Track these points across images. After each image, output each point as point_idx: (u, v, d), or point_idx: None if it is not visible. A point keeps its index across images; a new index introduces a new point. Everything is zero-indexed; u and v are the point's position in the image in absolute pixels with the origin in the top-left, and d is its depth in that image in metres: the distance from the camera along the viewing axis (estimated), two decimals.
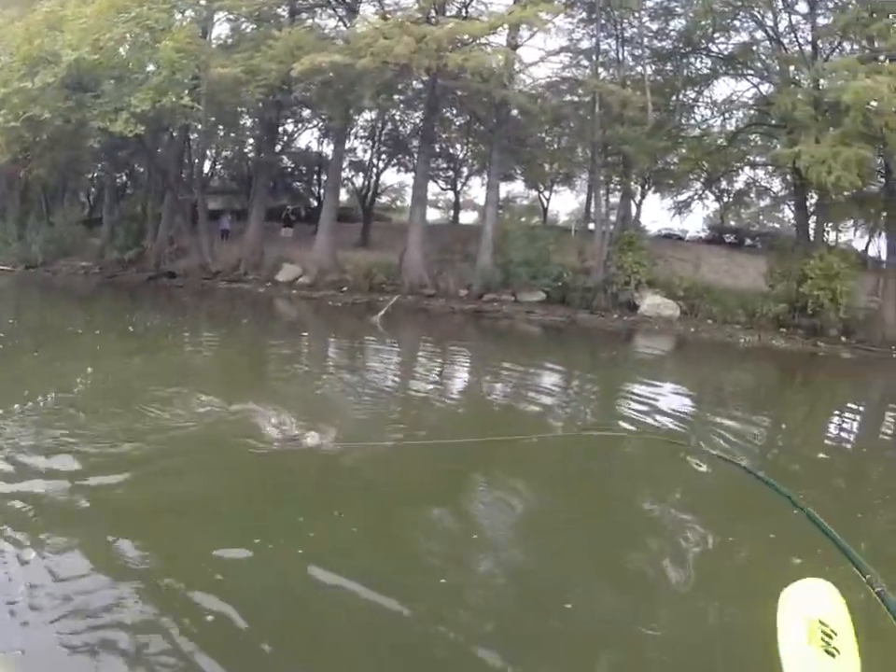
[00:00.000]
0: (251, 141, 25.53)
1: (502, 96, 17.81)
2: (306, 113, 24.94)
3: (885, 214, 19.16)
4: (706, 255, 19.63)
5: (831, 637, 1.09)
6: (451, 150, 25.25)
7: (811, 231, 18.78)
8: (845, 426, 9.32)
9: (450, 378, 9.82)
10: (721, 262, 18.69)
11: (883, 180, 19.93)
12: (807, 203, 19.21)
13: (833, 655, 1.05)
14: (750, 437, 7.00)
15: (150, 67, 17.11)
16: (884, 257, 19.57)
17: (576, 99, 19.86)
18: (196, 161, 24.12)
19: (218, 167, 29.60)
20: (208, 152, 26.08)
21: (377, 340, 12.99)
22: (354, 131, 25.62)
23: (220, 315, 15.98)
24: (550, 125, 20.23)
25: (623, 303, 16.64)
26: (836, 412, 10.39)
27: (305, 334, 13.83)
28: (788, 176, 20.02)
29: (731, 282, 17.40)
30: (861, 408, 10.67)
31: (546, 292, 16.91)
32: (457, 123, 23.79)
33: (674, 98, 20.41)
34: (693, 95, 21.15)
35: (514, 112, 19.96)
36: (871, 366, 15.46)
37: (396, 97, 22.48)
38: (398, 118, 24.96)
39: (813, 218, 19.17)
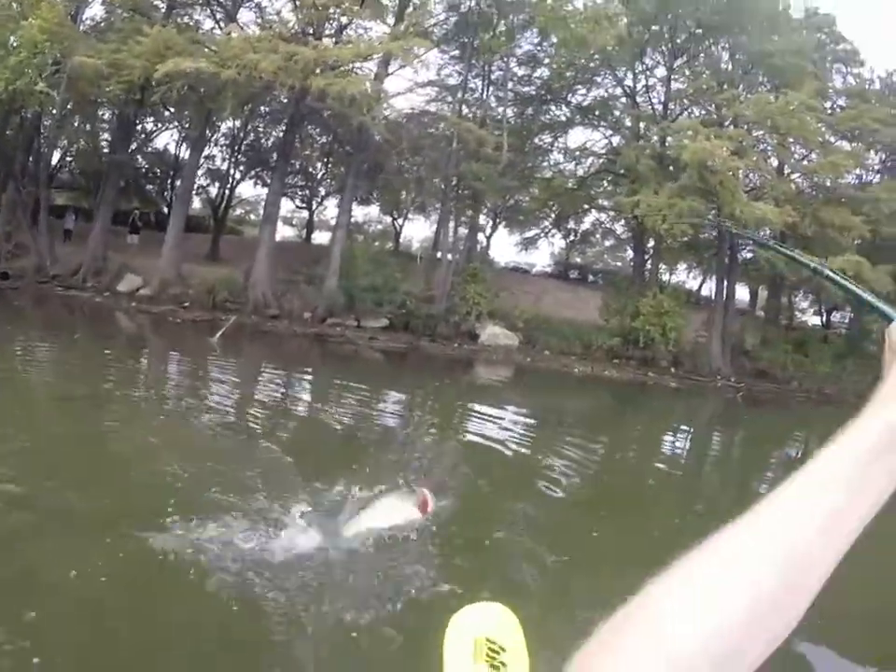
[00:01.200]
0: (106, 136, 23.16)
1: (363, 122, 17.68)
2: (167, 113, 23.16)
3: (715, 260, 21.58)
4: (550, 288, 20.72)
5: (498, 654, 1.00)
6: (310, 169, 24.74)
7: (647, 272, 20.58)
8: (674, 445, 10.59)
9: (290, 404, 9.28)
10: (564, 296, 19.79)
11: (716, 231, 22.49)
12: (645, 246, 21.05)
13: (498, 670, 0.98)
14: (589, 455, 7.73)
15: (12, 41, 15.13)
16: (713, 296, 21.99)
17: (436, 132, 20.22)
18: (45, 150, 21.36)
19: (69, 159, 26.57)
20: (59, 143, 23.30)
21: (217, 364, 11.99)
22: (214, 138, 24.34)
23: (52, 326, 13.98)
24: (409, 154, 20.41)
25: (464, 332, 17.00)
26: (664, 433, 11.49)
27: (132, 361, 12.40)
28: (629, 221, 21.83)
29: (571, 315, 18.46)
30: (685, 429, 11.88)
31: (390, 319, 16.83)
32: (319, 142, 23.32)
33: (530, 141, 21.51)
34: (548, 140, 22.47)
35: (376, 138, 19.90)
36: (696, 394, 17.14)
37: (261, 109, 21.59)
38: (260, 129, 23.96)
39: (650, 260, 21.04)
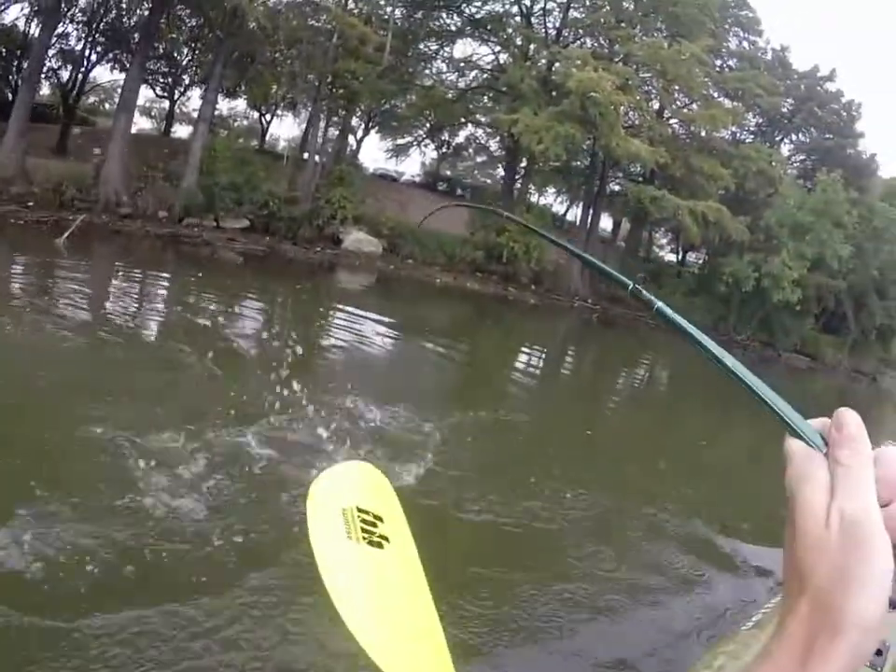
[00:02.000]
0: None
1: (238, 5, 16.09)
2: None
3: (584, 188, 22.24)
4: (417, 198, 20.53)
5: (375, 526, 0.84)
6: (174, 54, 22.36)
7: (516, 190, 20.86)
8: (531, 355, 11.05)
9: (139, 310, 8.54)
10: (430, 207, 19.58)
11: (589, 160, 23.07)
12: (517, 166, 21.23)
13: (380, 546, 0.82)
14: (450, 360, 7.99)
15: None
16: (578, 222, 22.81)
17: (316, 24, 18.89)
18: None
19: None
20: None
21: (64, 267, 10.73)
22: (70, 13, 21.24)
23: None
24: (284, 46, 18.98)
25: (327, 237, 16.53)
26: (523, 344, 12.04)
27: None
28: (504, 139, 21.82)
29: (436, 226, 18.48)
30: (543, 341, 12.41)
31: (251, 220, 15.99)
32: (188, 25, 21.09)
33: (415, 46, 20.70)
34: (434, 48, 21.71)
35: (251, 25, 18.29)
36: (551, 311, 17.89)
37: None
38: (123, 6, 21.24)
39: (520, 180, 21.33)
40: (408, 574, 0.83)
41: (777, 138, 31.26)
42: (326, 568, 0.76)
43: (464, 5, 21.24)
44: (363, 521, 0.83)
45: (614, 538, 3.92)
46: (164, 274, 11.94)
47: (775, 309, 25.63)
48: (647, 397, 10.81)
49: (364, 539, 0.81)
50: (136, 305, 8.94)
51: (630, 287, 0.52)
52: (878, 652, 1.38)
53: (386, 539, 0.82)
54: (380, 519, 0.85)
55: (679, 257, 30.12)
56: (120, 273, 11.68)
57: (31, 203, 16.35)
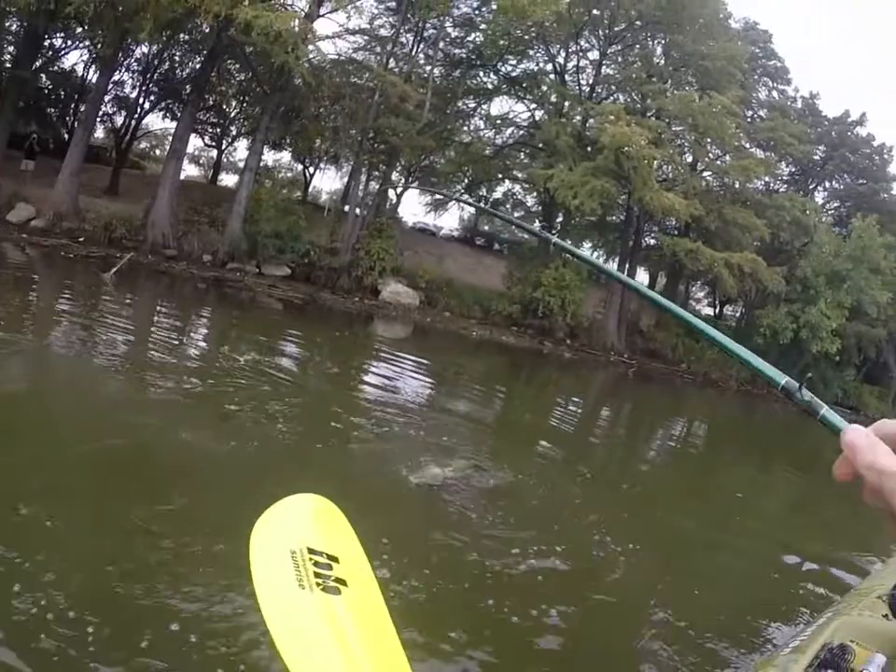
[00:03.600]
0: (11, 49, 20.85)
1: (285, 62, 16.84)
2: (80, 30, 21.12)
3: (619, 242, 22.32)
4: (455, 252, 20.84)
5: (330, 568, 0.72)
6: (224, 106, 23.41)
7: (552, 246, 21.01)
8: (566, 407, 11.12)
9: (184, 347, 8.78)
10: (468, 261, 19.99)
11: (625, 215, 23.21)
12: (553, 221, 21.45)
13: (337, 591, 0.70)
14: (487, 411, 8.31)
15: None
16: None
17: (359, 82, 19.61)
18: None
19: None
20: None
21: (111, 301, 11.17)
22: (126, 62, 22.47)
23: None
24: (328, 102, 19.72)
25: (365, 287, 16.80)
26: (557, 397, 12.17)
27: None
28: (541, 194, 22.14)
29: (474, 280, 18.67)
30: (578, 394, 12.44)
31: (292, 268, 16.35)
32: (237, 79, 22.09)
33: (453, 104, 21.28)
34: (472, 105, 22.31)
35: (297, 81, 19.07)
36: (587, 366, 17.77)
37: (180, 36, 20.11)
38: (176, 59, 22.39)
39: (556, 234, 21.52)
40: (370, 619, 0.72)
41: (811, 186, 31.10)
42: (274, 624, 0.65)
43: (500, 64, 21.87)
44: (315, 563, 0.72)
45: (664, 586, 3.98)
46: (205, 314, 12.28)
47: (814, 360, 25.05)
48: (684, 450, 10.74)
49: (318, 585, 0.70)
50: (176, 339, 9.22)
51: (781, 386, 0.55)
52: None
53: (343, 582, 0.71)
54: (335, 560, 0.74)
55: (716, 310, 29.92)
56: (162, 309, 12.08)
57: (82, 239, 17.07)
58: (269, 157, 27.35)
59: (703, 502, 6.92)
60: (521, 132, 22.19)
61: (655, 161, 21.42)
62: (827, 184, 31.91)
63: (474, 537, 3.90)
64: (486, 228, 28.68)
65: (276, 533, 0.73)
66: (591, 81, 22.49)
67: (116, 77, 22.25)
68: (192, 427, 4.77)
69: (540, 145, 21.01)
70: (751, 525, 6.30)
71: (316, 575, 0.71)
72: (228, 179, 28.94)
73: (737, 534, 5.82)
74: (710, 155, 24.79)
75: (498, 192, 25.97)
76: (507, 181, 24.37)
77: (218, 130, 24.50)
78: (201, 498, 3.75)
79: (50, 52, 22.53)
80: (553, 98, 21.72)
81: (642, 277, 27.17)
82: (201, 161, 30.79)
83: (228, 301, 14.72)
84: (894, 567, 2.43)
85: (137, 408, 5.23)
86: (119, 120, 23.28)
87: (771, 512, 7.12)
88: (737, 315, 28.88)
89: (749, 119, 27.22)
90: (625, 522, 5.17)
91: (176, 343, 8.92)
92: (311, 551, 0.73)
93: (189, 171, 28.42)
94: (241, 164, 22.98)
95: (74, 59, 31.15)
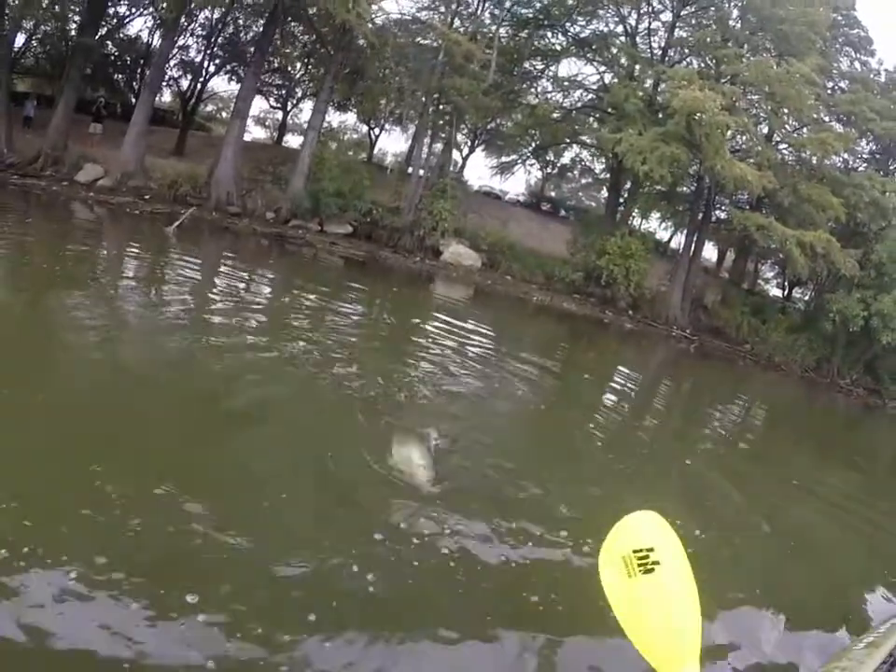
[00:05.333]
0: (76, 18, 21.38)
1: (347, 21, 16.66)
2: None
3: (688, 214, 21.45)
4: (520, 217, 20.39)
5: (647, 557, 1.01)
6: (289, 68, 23.43)
7: (619, 213, 20.34)
8: (625, 381, 10.69)
9: (244, 296, 8.83)
10: (533, 226, 19.52)
11: (695, 185, 22.29)
12: (621, 188, 20.71)
13: (652, 571, 1.00)
14: (542, 378, 7.94)
15: None
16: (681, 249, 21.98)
17: (423, 41, 19.28)
18: (8, 32, 19.57)
19: (34, 44, 24.51)
20: (25, 24, 21.39)
21: (175, 254, 11.38)
22: (191, 27, 22.74)
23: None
24: (392, 62, 19.46)
25: (427, 247, 16.62)
26: (616, 368, 11.74)
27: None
28: (609, 160, 21.39)
29: (537, 245, 18.21)
30: (637, 367, 12.11)
31: (354, 226, 16.29)
32: (301, 42, 22.05)
33: (519, 65, 20.68)
34: (539, 67, 21.61)
35: (360, 41, 18.90)
36: (647, 338, 17.26)
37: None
38: (240, 22, 22.51)
39: (624, 203, 20.80)
40: (679, 583, 1.00)
41: (892, 166, 29.21)
42: (617, 609, 0.99)
43: (568, 24, 21.12)
44: (638, 558, 1.00)
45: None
46: (267, 267, 12.32)
47: (883, 352, 23.74)
48: (743, 431, 10.30)
49: (640, 569, 0.99)
50: (238, 292, 9.21)
51: None
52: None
53: (657, 563, 0.99)
54: (651, 550, 1.01)
55: (785, 292, 28.63)
56: (224, 263, 12.11)
57: (147, 197, 17.44)
58: (334, 118, 27.44)
59: (763, 483, 6.59)
60: (589, 95, 21.50)
61: (729, 130, 20.45)
62: None
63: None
64: (553, 194, 28.08)
65: (613, 549, 1.05)
66: (663, 44, 21.55)
67: (181, 42, 22.58)
68: (258, 372, 4.65)
69: (609, 109, 20.30)
70: (807, 514, 5.98)
71: (639, 565, 1.00)
72: (293, 141, 28.79)
73: (801, 518, 5.59)
74: (787, 126, 23.56)
75: (566, 157, 25.44)
76: (575, 146, 23.66)
77: (284, 92, 24.52)
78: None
79: (115, 20, 22.96)
80: (623, 61, 20.92)
81: (710, 252, 26.20)
82: (267, 123, 31.16)
83: (288, 256, 14.85)
84: None
85: (203, 356, 5.17)
86: (185, 84, 23.63)
87: (832, 503, 6.73)
88: (807, 297, 27.53)
89: (828, 91, 25.69)
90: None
91: (236, 293, 8.94)
92: (634, 551, 1.02)
93: (256, 132, 28.87)
94: (306, 126, 23.22)
95: (139, 25, 31.86)
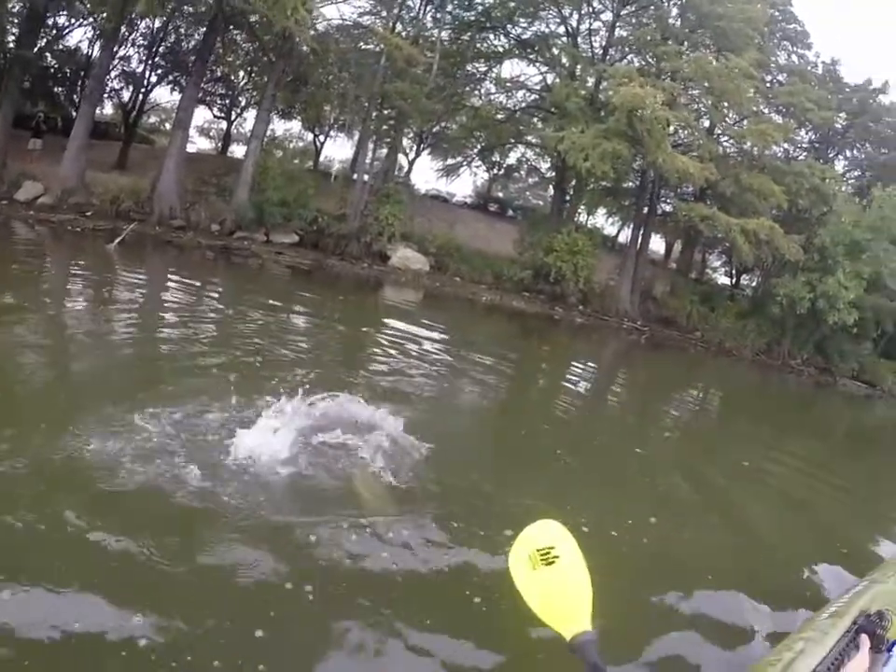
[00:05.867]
0: (14, 30, 20.73)
1: (288, 28, 16.56)
2: (82, 6, 20.93)
3: (634, 208, 21.90)
4: (467, 219, 20.56)
5: (548, 553, 1.23)
6: (232, 77, 23.11)
7: (565, 210, 20.66)
8: (579, 373, 10.99)
9: (191, 316, 8.64)
10: (480, 227, 19.70)
11: (639, 180, 22.73)
12: (566, 185, 21.01)
13: (553, 563, 1.22)
14: (496, 375, 8.14)
15: None
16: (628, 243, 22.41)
17: (365, 47, 19.26)
18: None
19: None
20: None
21: (117, 271, 11.14)
22: (132, 37, 22.29)
23: None
24: (336, 68, 19.41)
25: (374, 253, 16.62)
26: (569, 361, 12.03)
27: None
28: (553, 159, 21.69)
29: (484, 245, 18.39)
30: (590, 360, 12.25)
31: (300, 235, 16.21)
32: (244, 49, 21.80)
33: (462, 68, 20.83)
34: (482, 69, 21.84)
35: (303, 48, 18.79)
36: (598, 331, 17.55)
37: (183, 8, 19.90)
38: (181, 31, 22.14)
39: (570, 199, 21.09)
40: (574, 570, 1.24)
41: (831, 154, 30.29)
42: (523, 589, 1.25)
43: (510, 26, 21.32)
44: (540, 553, 1.24)
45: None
46: (212, 279, 12.20)
47: (831, 332, 24.57)
48: (697, 416, 10.60)
49: (542, 562, 1.22)
50: (178, 304, 9.12)
51: None
52: (890, 647, 1.51)
53: (557, 557, 1.23)
54: (551, 547, 1.25)
55: (733, 279, 29.43)
56: (169, 278, 11.88)
57: (89, 213, 17.06)
58: (279, 126, 27.14)
59: (719, 467, 6.77)
60: (532, 95, 21.74)
61: (670, 125, 20.90)
62: (848, 153, 31.03)
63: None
64: (500, 194, 28.32)
65: (521, 548, 1.29)
66: (604, 44, 21.94)
67: (122, 53, 22.14)
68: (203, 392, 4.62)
69: (552, 108, 20.56)
70: (769, 491, 6.19)
71: (541, 559, 1.24)
72: (239, 151, 28.10)
73: (757, 498, 5.75)
74: (727, 119, 24.19)
75: (512, 158, 25.68)
76: (520, 146, 23.93)
77: (227, 101, 24.21)
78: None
79: (54, 31, 22.38)
80: (564, 61, 21.22)
81: (658, 244, 26.73)
82: (211, 134, 30.72)
83: (236, 268, 14.69)
84: None
85: (146, 371, 5.12)
86: (127, 95, 23.14)
87: (792, 480, 6.99)
88: (754, 283, 28.36)
89: (767, 84, 26.47)
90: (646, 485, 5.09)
91: (180, 309, 8.75)
92: (537, 550, 1.26)
93: (200, 144, 28.36)
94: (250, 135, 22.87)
95: (78, 36, 30.98)
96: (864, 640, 1.48)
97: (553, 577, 1.19)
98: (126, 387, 4.41)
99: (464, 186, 30.77)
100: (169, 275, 12.20)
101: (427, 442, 4.09)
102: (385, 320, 10.67)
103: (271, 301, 9.79)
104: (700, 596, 3.32)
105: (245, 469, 3.33)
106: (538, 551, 1.23)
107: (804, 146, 29.06)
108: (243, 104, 24.38)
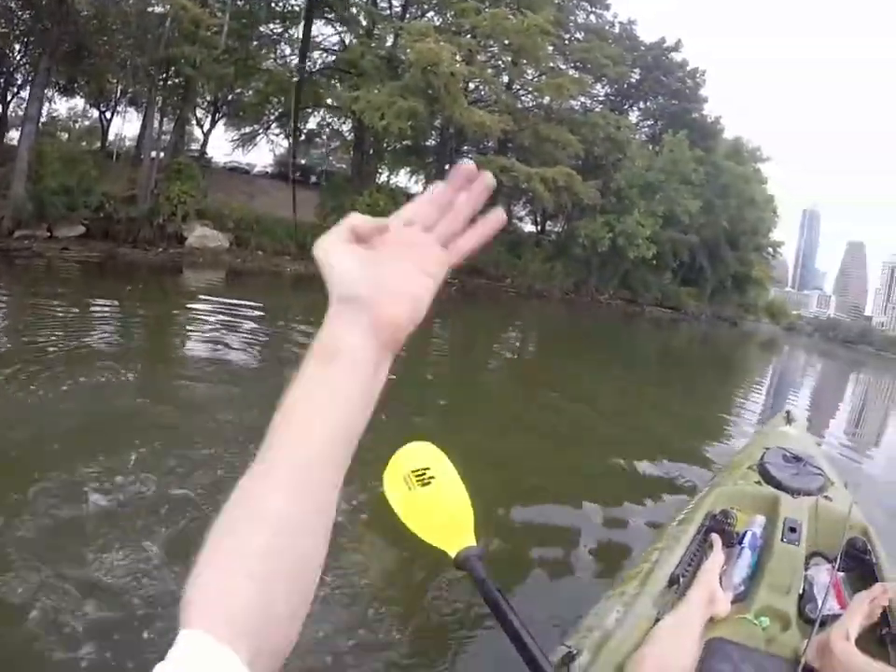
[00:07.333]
0: None
1: None
2: None
3: (435, 165, 23.08)
4: (268, 188, 20.58)
5: (423, 473, 1.20)
6: (7, 52, 20.36)
7: (366, 173, 21.27)
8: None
9: None
10: (282, 196, 19.64)
11: (439, 137, 23.81)
12: (366, 146, 21.55)
13: (429, 484, 1.18)
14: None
15: None
16: None
17: (149, 10, 18.11)
18: None
19: None
20: None
21: None
22: None
23: None
24: (121, 35, 18.11)
25: (170, 235, 16.38)
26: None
27: None
28: (352, 120, 21.93)
29: (287, 215, 18.60)
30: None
31: (87, 225, 15.53)
32: (19, 16, 19.46)
33: (256, 29, 20.23)
34: (278, 30, 21.45)
35: (82, 13, 17.27)
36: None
37: None
38: None
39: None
40: (451, 488, 1.22)
41: (626, 106, 33.26)
42: (400, 511, 1.19)
43: None
44: (415, 475, 1.22)
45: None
46: None
47: (633, 266, 27.81)
48: (520, 352, 11.98)
49: (418, 483, 1.20)
50: None
51: None
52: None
53: (433, 477, 1.22)
54: (427, 469, 1.23)
55: (538, 226, 31.48)
56: None
57: None
58: (62, 106, 24.70)
59: (559, 394, 7.51)
60: (331, 57, 21.69)
61: (468, 81, 21.81)
62: (642, 104, 34.11)
63: None
64: (302, 161, 28.14)
65: (395, 470, 1.27)
66: (403, 2, 22.27)
67: None
68: None
69: (350, 69, 20.63)
70: (598, 419, 6.54)
71: (417, 479, 1.23)
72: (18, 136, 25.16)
73: (591, 428, 6.12)
74: (526, 75, 25.71)
75: (312, 123, 25.41)
76: (320, 110, 23.79)
77: (2, 80, 21.02)
78: None
79: None
80: (362, 20, 21.31)
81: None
82: None
83: (20, 273, 13.65)
84: (759, 441, 2.70)
85: None
86: None
87: (615, 406, 7.65)
88: (557, 229, 31.12)
89: (565, 41, 28.37)
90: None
91: None
92: (412, 471, 1.25)
93: None
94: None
95: None
96: (716, 538, 1.55)
97: (431, 496, 1.18)
98: None
99: (265, 156, 29.72)
100: None
101: None
102: (190, 306, 10.35)
103: (57, 303, 8.85)
104: (557, 510, 3.70)
105: None
106: (412, 472, 1.22)
107: (600, 98, 31.63)
108: (19, 82, 21.55)
